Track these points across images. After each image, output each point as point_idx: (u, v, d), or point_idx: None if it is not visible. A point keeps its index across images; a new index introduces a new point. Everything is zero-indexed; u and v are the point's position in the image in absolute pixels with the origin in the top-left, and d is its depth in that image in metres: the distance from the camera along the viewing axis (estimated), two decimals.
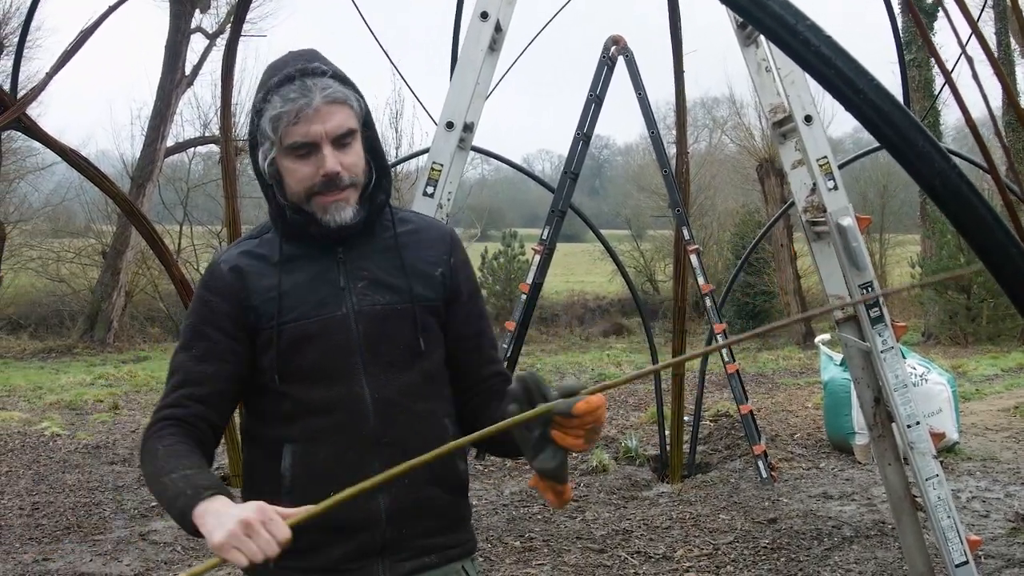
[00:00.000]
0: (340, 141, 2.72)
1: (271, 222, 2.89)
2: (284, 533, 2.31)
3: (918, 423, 5.12)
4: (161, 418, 2.75)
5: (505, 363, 9.54)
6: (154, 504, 9.96)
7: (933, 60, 23.85)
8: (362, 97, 2.81)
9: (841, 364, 11.22)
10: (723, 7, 6.01)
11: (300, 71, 2.70)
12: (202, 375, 2.77)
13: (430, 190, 5.21)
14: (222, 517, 2.36)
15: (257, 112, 2.74)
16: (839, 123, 39.39)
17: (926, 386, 10.57)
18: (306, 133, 2.68)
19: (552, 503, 2.56)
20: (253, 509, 2.33)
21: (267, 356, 2.77)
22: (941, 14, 22.67)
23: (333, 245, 2.82)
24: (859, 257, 5.10)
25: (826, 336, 12.97)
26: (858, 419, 10.67)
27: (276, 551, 2.30)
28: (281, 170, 2.77)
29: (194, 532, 2.44)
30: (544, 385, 2.41)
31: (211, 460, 2.77)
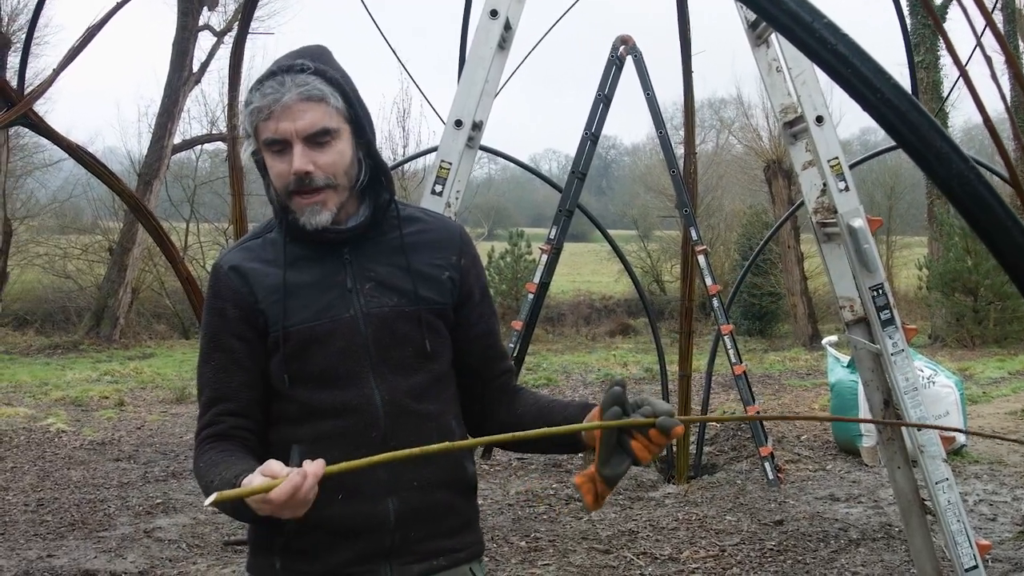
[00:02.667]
0: (314, 140, 2.67)
1: (275, 221, 2.85)
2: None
3: None
4: (202, 439, 2.76)
5: (512, 362, 9.57)
6: (159, 501, 9.96)
7: (942, 60, 23.83)
8: (350, 96, 2.76)
9: (848, 366, 11.20)
10: (732, 7, 5.99)
11: (283, 67, 2.68)
12: (229, 388, 2.77)
13: (439, 188, 5.19)
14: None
15: (245, 105, 2.73)
16: (846, 125, 39.43)
17: (933, 389, 10.54)
18: (276, 130, 2.66)
19: (589, 505, 2.60)
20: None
21: (275, 359, 2.75)
22: (951, 15, 22.64)
23: (339, 246, 2.79)
24: (870, 259, 5.08)
25: (833, 338, 12.94)
26: None
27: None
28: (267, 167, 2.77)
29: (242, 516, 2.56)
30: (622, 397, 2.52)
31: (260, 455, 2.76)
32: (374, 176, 2.84)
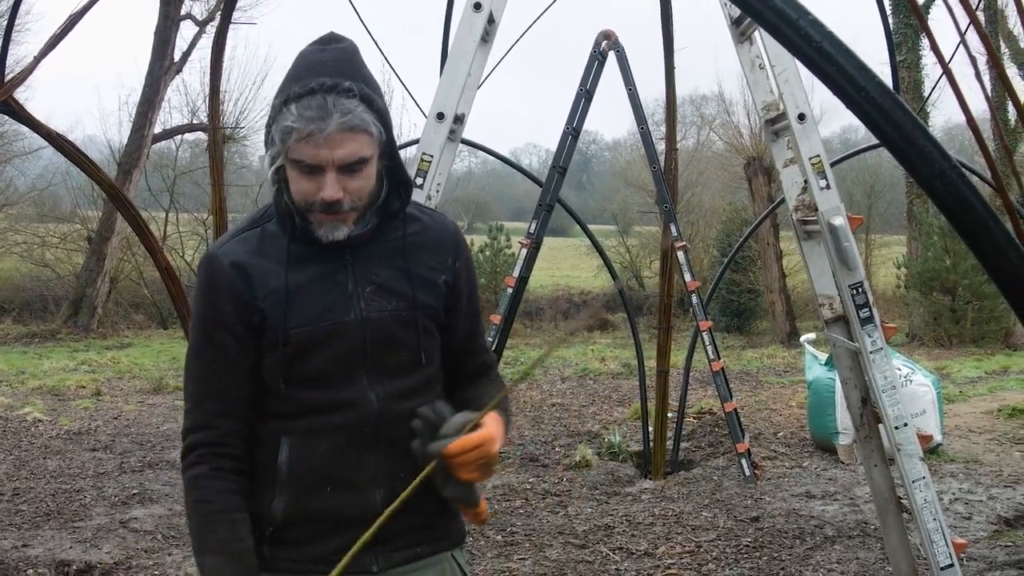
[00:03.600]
0: (349, 168, 2.63)
1: (278, 220, 2.80)
2: None
3: (906, 425, 5.10)
4: (192, 445, 2.77)
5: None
6: (135, 491, 9.93)
7: (924, 59, 23.90)
8: (386, 122, 2.70)
9: (826, 364, 11.24)
10: (716, 3, 5.99)
11: (326, 87, 2.58)
12: (221, 386, 2.77)
13: (419, 181, 5.18)
14: None
15: (275, 112, 2.65)
16: (827, 123, 39.52)
17: (910, 387, 10.58)
18: (314, 156, 2.60)
19: (472, 521, 2.82)
20: None
21: (271, 358, 2.75)
22: (933, 15, 22.72)
23: (342, 248, 2.77)
24: (850, 257, 5.09)
25: (811, 335, 12.99)
26: (842, 419, 10.68)
27: None
28: (287, 175, 2.71)
29: None
30: (440, 419, 2.69)
31: (249, 481, 2.79)
32: (392, 188, 2.83)
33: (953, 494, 9.48)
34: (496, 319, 9.71)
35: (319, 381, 2.75)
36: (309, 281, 2.75)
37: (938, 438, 11.03)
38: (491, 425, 2.70)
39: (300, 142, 2.58)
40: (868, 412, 5.48)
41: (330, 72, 2.61)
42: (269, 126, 2.67)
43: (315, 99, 2.56)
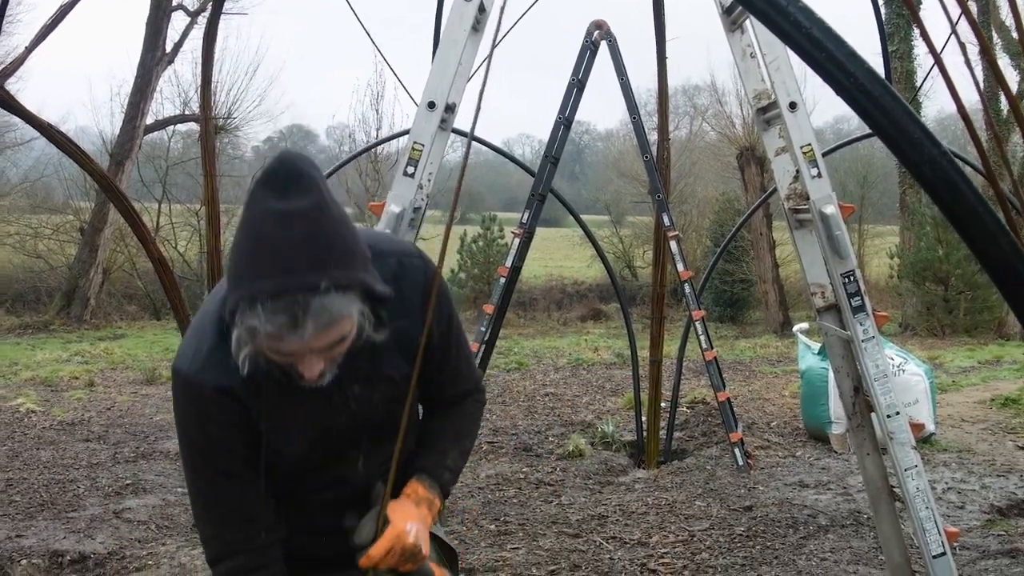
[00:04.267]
0: (329, 347, 2.41)
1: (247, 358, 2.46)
2: None
3: (898, 413, 5.11)
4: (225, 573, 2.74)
5: (483, 346, 9.57)
6: (128, 482, 9.93)
7: (916, 50, 23.91)
8: (365, 285, 2.41)
9: (819, 353, 11.24)
10: None
11: (290, 287, 2.27)
12: (236, 508, 2.71)
13: (411, 170, 5.18)
14: None
15: (236, 300, 2.32)
16: (820, 112, 39.53)
17: (903, 377, 10.59)
18: (288, 354, 2.39)
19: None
20: None
21: (259, 457, 2.69)
22: (925, 5, 22.69)
23: None
24: (842, 245, 5.08)
25: (804, 325, 12.98)
26: (835, 408, 10.70)
27: None
28: None
29: None
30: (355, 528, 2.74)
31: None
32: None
33: (946, 483, 9.50)
34: (489, 309, 9.71)
35: (310, 473, 2.77)
36: (295, 400, 2.61)
37: (931, 428, 11.05)
38: (397, 517, 2.69)
39: (271, 341, 2.33)
40: (860, 401, 5.48)
41: (297, 262, 2.29)
42: (232, 312, 2.35)
43: (283, 303, 2.27)
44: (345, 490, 2.77)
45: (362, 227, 3.43)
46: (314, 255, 2.29)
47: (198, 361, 2.60)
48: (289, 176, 2.33)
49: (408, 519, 2.68)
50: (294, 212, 2.29)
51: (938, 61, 2.37)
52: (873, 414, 5.33)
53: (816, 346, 11.51)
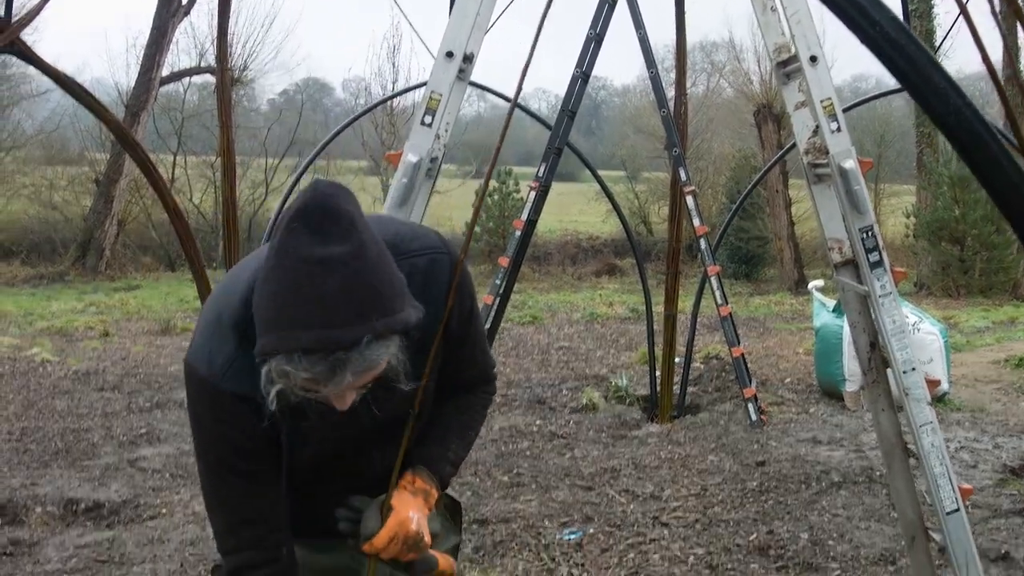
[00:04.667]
0: (364, 384, 2.33)
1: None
2: None
3: (914, 369, 5.09)
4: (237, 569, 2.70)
5: (498, 299, 9.57)
6: (143, 431, 9.98)
7: (936, 9, 23.75)
8: (406, 324, 2.29)
9: (834, 311, 11.23)
10: None
11: (328, 343, 2.15)
12: (249, 505, 2.66)
13: (428, 120, 5.15)
14: None
15: (271, 347, 2.19)
16: (838, 70, 39.23)
17: (918, 335, 10.57)
18: (326, 397, 2.31)
19: None
20: None
21: (276, 459, 2.65)
22: None
23: None
24: (860, 200, 5.05)
25: (819, 282, 12.96)
26: (849, 366, 10.70)
27: None
28: None
29: None
30: (358, 516, 2.70)
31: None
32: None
33: (959, 442, 9.49)
34: (504, 262, 9.71)
35: (324, 467, 2.76)
36: (316, 413, 2.49)
37: (945, 386, 11.04)
38: (401, 505, 2.67)
39: (306, 384, 2.22)
40: (876, 356, 5.47)
41: (338, 315, 2.17)
42: (266, 354, 2.21)
43: (321, 357, 2.17)
44: (359, 483, 2.75)
45: (384, 215, 3.39)
46: (356, 306, 2.17)
47: (217, 366, 2.50)
48: (325, 215, 2.20)
49: (410, 508, 2.67)
50: (335, 259, 2.17)
51: (964, 11, 2.36)
52: (889, 370, 5.32)
53: (831, 303, 11.49)
